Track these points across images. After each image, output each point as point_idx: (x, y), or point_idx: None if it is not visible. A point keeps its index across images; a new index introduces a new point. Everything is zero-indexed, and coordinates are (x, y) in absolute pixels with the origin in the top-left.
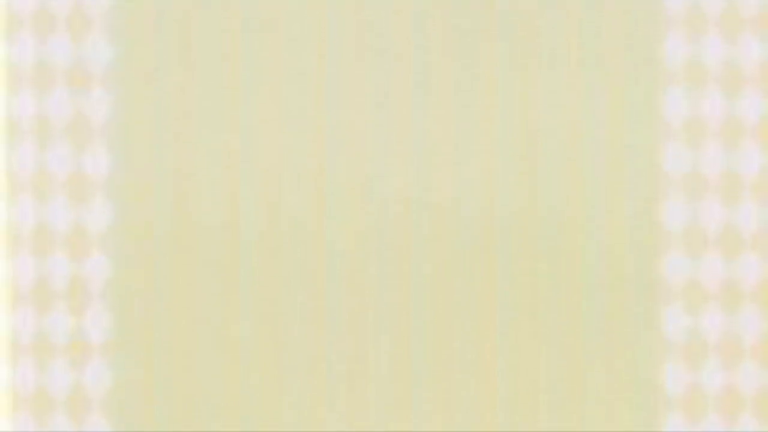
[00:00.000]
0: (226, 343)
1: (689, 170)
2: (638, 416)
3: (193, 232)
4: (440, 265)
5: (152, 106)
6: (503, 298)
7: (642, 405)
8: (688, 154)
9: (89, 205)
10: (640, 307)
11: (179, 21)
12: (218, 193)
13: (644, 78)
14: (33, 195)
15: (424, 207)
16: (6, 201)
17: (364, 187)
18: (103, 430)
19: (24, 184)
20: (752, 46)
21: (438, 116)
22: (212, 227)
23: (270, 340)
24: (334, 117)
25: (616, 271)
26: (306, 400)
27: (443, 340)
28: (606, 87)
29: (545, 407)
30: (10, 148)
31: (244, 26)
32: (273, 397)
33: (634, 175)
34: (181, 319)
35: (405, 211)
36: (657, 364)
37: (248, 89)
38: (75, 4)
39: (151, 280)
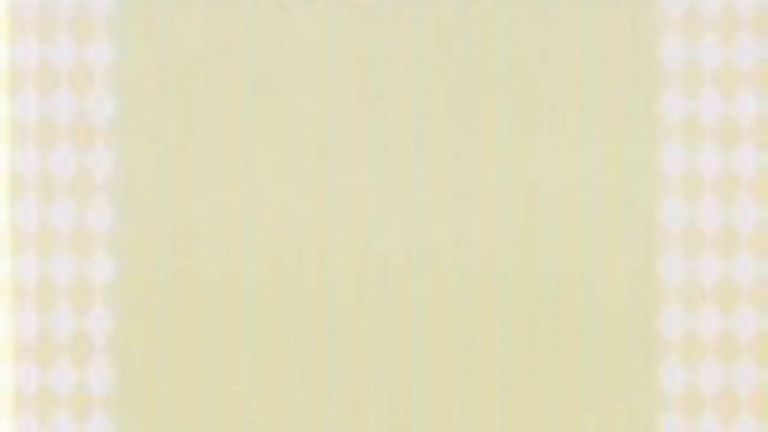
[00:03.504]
0: (228, 397)
1: (687, 224)
2: None
3: (194, 286)
4: (440, 321)
5: (154, 161)
6: (502, 353)
7: None
8: (685, 209)
9: (92, 260)
10: (638, 361)
11: (181, 77)
12: (220, 247)
13: (642, 133)
14: (36, 249)
15: (423, 263)
16: (9, 255)
17: (364, 243)
18: None
19: (27, 238)
20: (748, 100)
21: (437, 172)
22: (214, 282)
23: (271, 394)
24: (335, 173)
25: (614, 325)
26: None
27: (443, 394)
28: (604, 142)
29: None
30: (13, 203)
31: (246, 82)
32: None
33: (633, 229)
34: (183, 373)
35: (405, 267)
36: (655, 417)
37: (250, 144)
38: (77, 60)
39: (153, 334)
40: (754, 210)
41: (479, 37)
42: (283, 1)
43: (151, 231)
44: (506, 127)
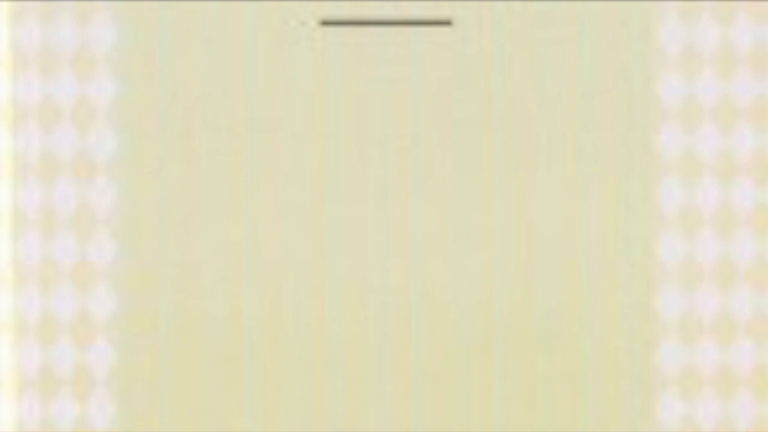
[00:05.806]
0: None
1: (684, 259)
2: None
3: (196, 320)
4: (439, 357)
5: (156, 196)
6: (501, 388)
7: None
8: (683, 243)
9: (93, 294)
10: (636, 395)
11: (182, 112)
12: (222, 282)
13: (640, 168)
14: (38, 284)
15: (423, 300)
16: (11, 289)
17: (364, 280)
18: None
19: (29, 272)
20: (746, 136)
21: (437, 210)
22: (215, 316)
23: (273, 429)
24: (335, 210)
25: (613, 360)
26: None
27: (442, 429)
28: (603, 177)
29: None
30: (15, 238)
31: (247, 118)
32: None
33: (631, 264)
34: (184, 408)
35: (404, 304)
36: None
37: (251, 180)
38: (79, 95)
39: (155, 369)
40: (751, 244)
41: (477, 77)
42: (283, 38)
43: (153, 266)
44: (505, 164)
